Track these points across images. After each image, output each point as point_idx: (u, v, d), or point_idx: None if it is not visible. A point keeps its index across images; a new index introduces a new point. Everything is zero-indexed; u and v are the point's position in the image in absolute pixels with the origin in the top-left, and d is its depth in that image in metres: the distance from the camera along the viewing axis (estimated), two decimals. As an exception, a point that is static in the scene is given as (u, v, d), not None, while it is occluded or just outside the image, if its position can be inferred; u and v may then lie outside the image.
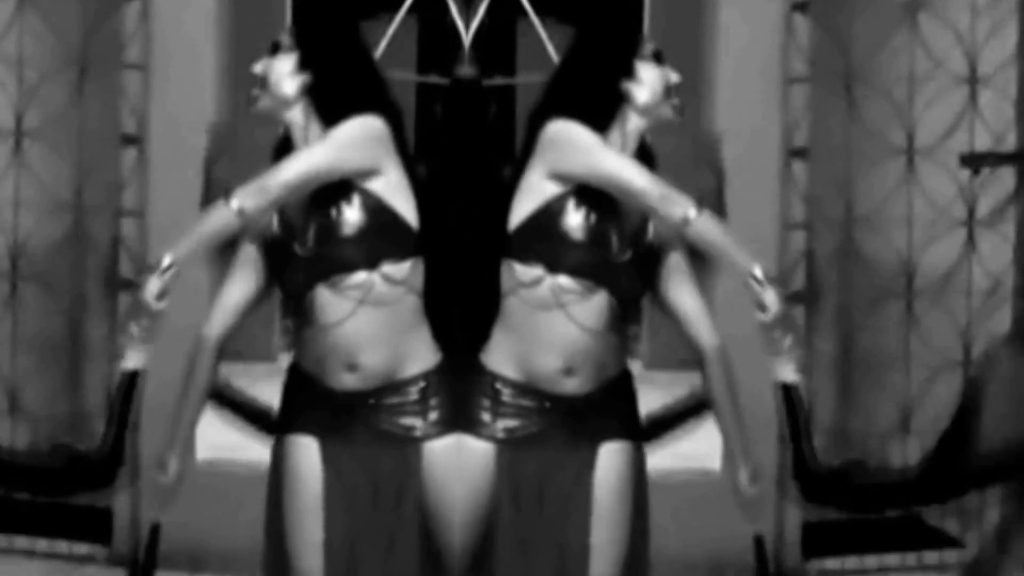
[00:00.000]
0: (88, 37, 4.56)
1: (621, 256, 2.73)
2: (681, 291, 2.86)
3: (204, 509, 4.37)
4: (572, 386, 2.75)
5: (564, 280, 2.68)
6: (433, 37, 5.06)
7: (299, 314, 2.80)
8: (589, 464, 2.76)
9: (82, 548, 4.47)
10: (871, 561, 4.50)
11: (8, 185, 4.58)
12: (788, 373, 2.81)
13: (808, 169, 4.44)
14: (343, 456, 2.72)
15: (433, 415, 2.74)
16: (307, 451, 2.73)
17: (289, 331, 3.03)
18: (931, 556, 4.54)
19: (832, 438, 4.77)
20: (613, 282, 2.73)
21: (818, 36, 4.45)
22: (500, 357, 2.75)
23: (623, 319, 2.81)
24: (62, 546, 4.48)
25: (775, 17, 4.37)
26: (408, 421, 2.73)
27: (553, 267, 2.68)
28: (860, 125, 4.61)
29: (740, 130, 4.48)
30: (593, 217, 2.70)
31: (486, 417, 2.74)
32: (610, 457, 2.78)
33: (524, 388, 2.74)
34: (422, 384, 2.74)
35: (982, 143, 4.58)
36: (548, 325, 2.70)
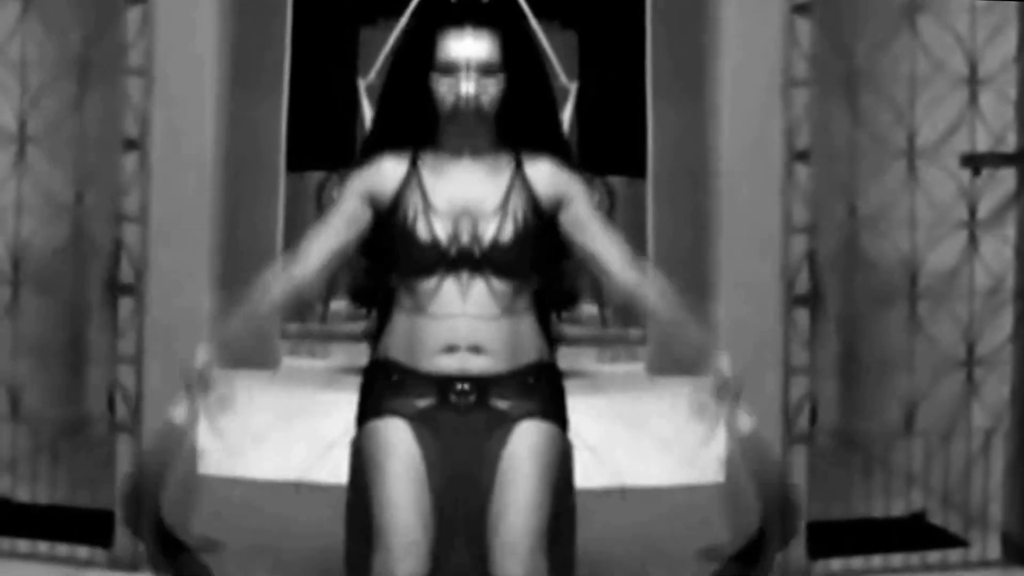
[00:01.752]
0: (90, 43, 4.56)
1: (479, 244, 2.98)
2: (597, 240, 3.06)
3: (205, 514, 4.46)
4: (481, 365, 2.98)
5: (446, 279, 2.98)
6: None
7: (398, 300, 3.06)
8: (502, 439, 2.99)
9: (83, 551, 4.43)
10: (876, 561, 4.49)
11: (10, 190, 4.56)
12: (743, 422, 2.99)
13: (810, 172, 4.40)
14: (431, 437, 2.99)
15: (537, 402, 3.04)
16: (398, 427, 2.99)
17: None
18: (935, 555, 4.53)
19: (836, 440, 4.79)
20: (493, 267, 2.98)
21: (819, 39, 4.42)
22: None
23: (537, 303, 3.10)
24: (63, 549, 4.44)
25: (776, 20, 4.36)
26: (510, 403, 3.01)
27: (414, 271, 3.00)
28: (862, 127, 4.62)
29: (742, 133, 4.49)
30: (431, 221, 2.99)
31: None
32: (524, 431, 3.01)
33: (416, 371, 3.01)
34: (529, 374, 3.05)
35: (983, 144, 4.59)
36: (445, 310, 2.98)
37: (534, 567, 2.87)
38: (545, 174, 3.07)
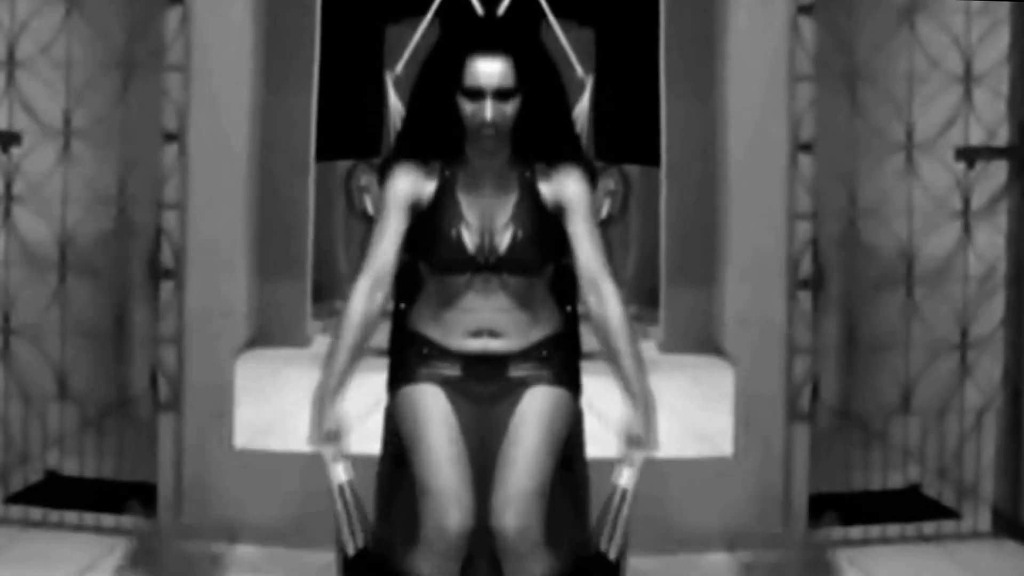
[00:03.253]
0: (131, 41, 4.61)
1: (495, 253, 3.13)
2: (579, 231, 3.16)
3: (241, 486, 4.50)
4: (500, 345, 3.15)
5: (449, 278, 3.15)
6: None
7: (428, 288, 3.22)
8: (514, 403, 3.13)
9: (128, 522, 4.48)
10: (873, 531, 4.55)
11: (57, 181, 4.63)
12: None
13: (814, 162, 4.45)
14: (461, 398, 3.14)
15: (549, 369, 3.19)
16: (434, 392, 3.14)
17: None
18: (929, 527, 4.60)
19: (836, 417, 4.84)
20: (507, 267, 3.13)
21: (823, 37, 4.47)
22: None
23: (553, 289, 3.27)
24: (108, 520, 4.52)
25: (782, 19, 4.41)
26: (525, 373, 3.16)
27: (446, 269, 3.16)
28: (862, 121, 4.66)
29: (749, 125, 4.54)
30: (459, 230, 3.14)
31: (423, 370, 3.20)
32: (533, 395, 3.14)
33: (446, 348, 3.18)
34: (543, 347, 3.20)
35: (976, 138, 4.64)
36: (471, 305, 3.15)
37: (529, 517, 2.96)
38: (551, 184, 3.21)
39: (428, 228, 3.17)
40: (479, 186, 3.18)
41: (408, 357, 3.23)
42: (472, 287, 3.15)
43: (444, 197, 3.17)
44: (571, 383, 3.26)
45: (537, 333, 3.21)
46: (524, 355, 3.18)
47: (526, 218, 3.16)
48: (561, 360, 3.24)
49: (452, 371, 3.17)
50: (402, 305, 3.34)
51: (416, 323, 3.25)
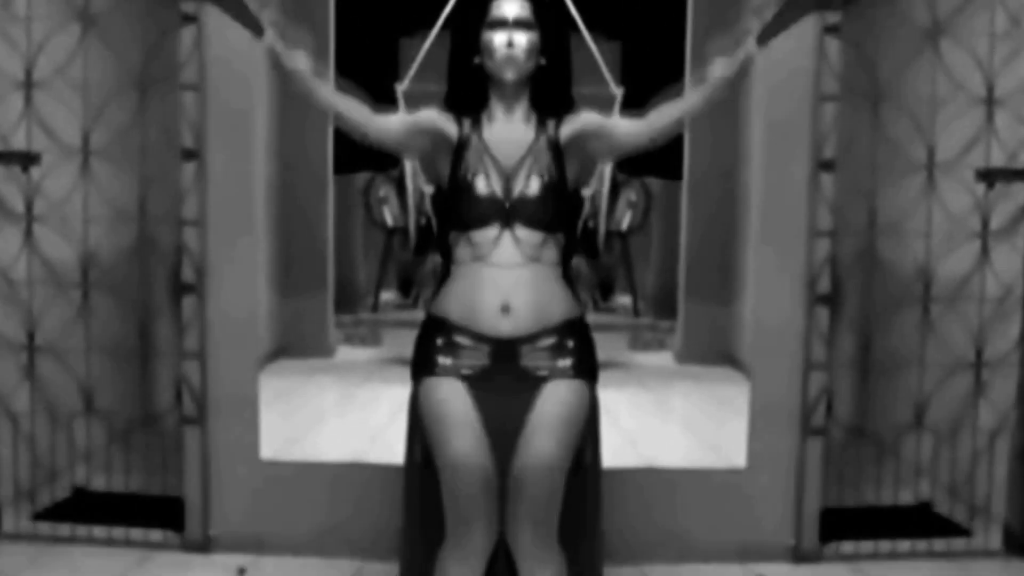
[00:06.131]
0: (147, 61, 4.37)
1: (510, 197, 3.05)
2: (620, 129, 3.27)
3: (267, 497, 4.32)
4: (510, 326, 3.00)
5: (475, 232, 3.06)
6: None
7: (455, 254, 3.10)
8: (531, 398, 2.98)
9: (156, 535, 4.32)
10: (884, 546, 4.34)
11: (77, 200, 4.41)
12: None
13: (835, 180, 4.22)
14: (483, 390, 2.99)
15: (568, 359, 3.04)
16: (457, 388, 2.98)
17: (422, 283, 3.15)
18: (940, 543, 4.39)
19: (850, 432, 4.64)
20: (522, 212, 3.04)
21: (848, 57, 4.24)
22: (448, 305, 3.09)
23: (564, 264, 3.12)
24: (137, 534, 4.33)
25: (808, 39, 4.16)
26: (543, 363, 3.03)
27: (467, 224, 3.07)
28: (884, 141, 4.42)
29: (773, 142, 4.30)
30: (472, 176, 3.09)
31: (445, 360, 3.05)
32: (551, 393, 2.99)
33: (469, 331, 3.04)
34: (559, 332, 3.05)
35: (997, 160, 4.39)
36: (484, 271, 3.03)
37: (543, 525, 2.89)
38: (566, 126, 3.20)
39: (456, 175, 3.10)
40: (500, 132, 3.15)
41: (432, 343, 3.07)
42: (498, 246, 3.04)
43: (470, 141, 3.13)
44: (589, 371, 3.11)
45: (553, 315, 3.05)
46: (540, 337, 3.03)
47: (542, 161, 3.11)
48: (578, 347, 3.09)
49: (477, 360, 3.02)
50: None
51: (441, 307, 3.10)
